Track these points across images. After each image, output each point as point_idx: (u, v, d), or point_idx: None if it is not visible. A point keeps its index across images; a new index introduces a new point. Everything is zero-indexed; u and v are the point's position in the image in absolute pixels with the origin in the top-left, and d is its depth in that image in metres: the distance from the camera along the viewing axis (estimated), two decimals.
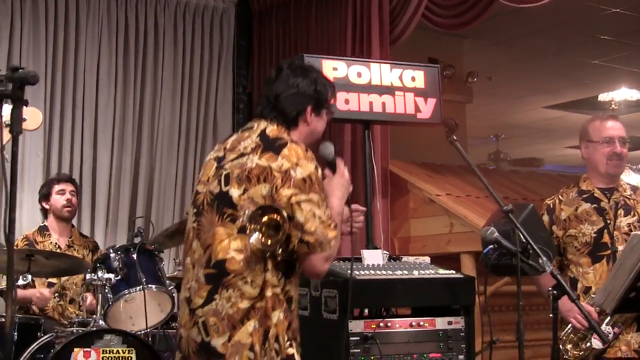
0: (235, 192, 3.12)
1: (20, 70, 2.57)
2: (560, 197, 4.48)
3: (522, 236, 3.53)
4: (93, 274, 5.29)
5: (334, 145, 3.40)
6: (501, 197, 6.71)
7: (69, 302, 6.02)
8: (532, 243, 3.40)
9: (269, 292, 3.07)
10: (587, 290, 4.23)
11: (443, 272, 4.57)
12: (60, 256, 5.65)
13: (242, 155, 3.18)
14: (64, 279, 5.96)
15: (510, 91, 11.40)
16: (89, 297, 5.62)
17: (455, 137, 3.40)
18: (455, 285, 4.49)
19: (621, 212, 4.31)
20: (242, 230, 3.08)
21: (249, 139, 3.22)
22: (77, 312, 5.92)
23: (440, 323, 4.37)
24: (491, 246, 3.72)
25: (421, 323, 4.30)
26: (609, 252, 4.25)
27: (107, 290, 5.30)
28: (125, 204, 7.37)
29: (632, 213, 4.32)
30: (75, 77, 7.24)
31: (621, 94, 11.58)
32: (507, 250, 3.60)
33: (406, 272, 4.38)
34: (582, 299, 4.16)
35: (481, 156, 14.20)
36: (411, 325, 4.27)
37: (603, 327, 4.03)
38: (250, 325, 3.05)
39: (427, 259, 4.64)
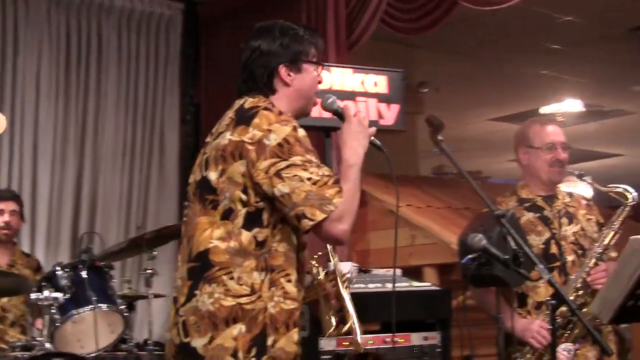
0: (213, 175, 2.88)
1: None
2: (499, 207, 4.20)
3: (513, 242, 3.30)
4: (38, 294, 4.99)
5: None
6: (462, 207, 6.70)
7: (9, 326, 5.72)
8: (528, 250, 3.23)
9: (277, 299, 2.83)
10: (538, 305, 4.07)
11: (418, 285, 4.49)
12: (1, 275, 5.31)
13: (219, 135, 2.94)
14: (4, 300, 5.67)
15: (457, 103, 11.36)
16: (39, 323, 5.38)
17: (441, 138, 3.18)
18: (431, 298, 4.39)
19: (564, 220, 4.21)
20: (225, 216, 2.83)
21: (226, 117, 2.98)
22: (18, 336, 5.63)
23: (416, 338, 4.26)
24: (471, 256, 3.49)
25: (396, 339, 4.14)
26: (559, 263, 4.11)
27: (53, 311, 5.01)
28: (67, 220, 7.23)
29: (574, 221, 4.23)
30: (14, 87, 7.10)
31: (566, 105, 11.61)
32: (494, 258, 3.35)
33: (379, 285, 4.26)
34: (534, 316, 4.06)
35: (426, 169, 14.25)
36: (385, 342, 4.11)
37: (564, 345, 3.93)
38: (236, 328, 2.77)
39: (399, 271, 4.44)
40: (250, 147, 2.81)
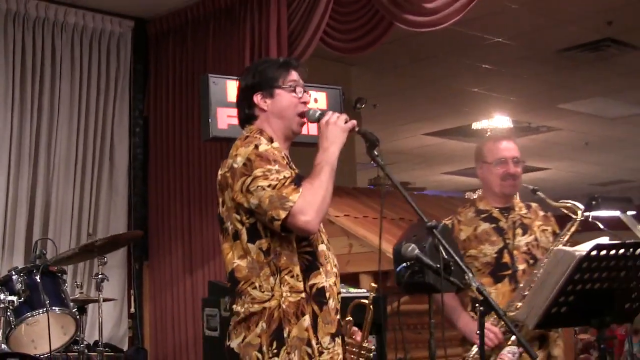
0: (219, 208, 3.29)
1: None
2: (458, 217, 4.47)
3: (444, 252, 3.37)
4: None
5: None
6: (397, 218, 6.95)
7: None
8: (458, 259, 3.32)
9: (285, 294, 3.17)
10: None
11: (354, 291, 4.71)
12: None
13: None
14: None
15: (393, 118, 11.57)
16: None
17: (377, 152, 3.35)
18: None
19: (519, 231, 4.36)
20: (235, 238, 3.24)
21: None
22: None
23: None
24: (405, 264, 3.59)
25: None
26: (510, 271, 4.28)
27: (9, 313, 5.19)
28: (21, 227, 7.24)
29: (529, 232, 4.38)
30: None
31: (495, 121, 11.79)
32: (426, 267, 3.46)
33: None
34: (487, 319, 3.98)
35: (363, 181, 14.47)
36: None
37: (509, 347, 4.06)
38: (259, 327, 3.16)
39: None
40: (227, 174, 3.21)
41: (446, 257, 3.32)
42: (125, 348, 7.50)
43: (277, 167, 3.17)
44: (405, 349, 3.94)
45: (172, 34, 7.81)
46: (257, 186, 3.13)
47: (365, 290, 4.74)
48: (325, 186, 3.18)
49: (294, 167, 3.37)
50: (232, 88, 5.63)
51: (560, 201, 4.33)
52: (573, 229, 4.30)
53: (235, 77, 5.94)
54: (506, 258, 4.30)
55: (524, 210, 4.46)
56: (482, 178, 4.48)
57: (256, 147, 3.20)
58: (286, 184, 3.13)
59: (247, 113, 3.40)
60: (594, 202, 5.00)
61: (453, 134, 12.74)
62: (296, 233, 3.18)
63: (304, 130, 3.56)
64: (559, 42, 8.84)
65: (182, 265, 7.47)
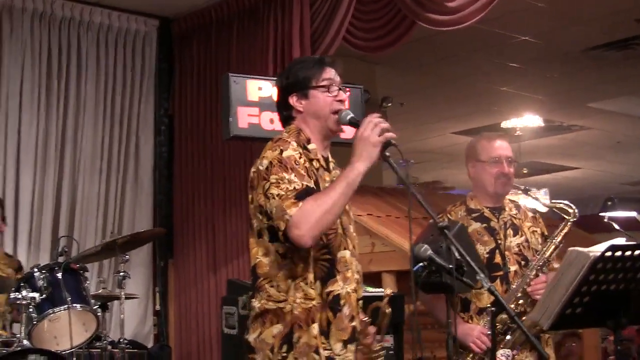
0: (250, 204, 3.31)
1: None
2: (449, 215, 4.36)
3: (457, 253, 3.31)
4: (17, 293, 5.25)
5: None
6: (421, 217, 6.94)
7: None
8: (469, 259, 3.26)
9: (298, 301, 3.20)
10: (480, 311, 4.16)
11: (372, 290, 4.67)
12: None
13: None
14: None
15: (421, 117, 11.54)
16: None
17: (388, 154, 3.29)
18: None
19: (510, 232, 4.29)
20: (259, 236, 3.27)
21: None
22: (0, 332, 5.79)
23: None
24: (421, 264, 3.53)
25: None
26: (501, 272, 4.20)
27: (31, 310, 5.26)
28: (47, 224, 7.30)
29: (519, 233, 4.31)
30: None
31: (525, 120, 11.78)
32: (439, 267, 3.41)
33: None
34: (476, 321, 4.16)
35: (389, 180, 14.45)
36: None
37: (502, 350, 4.01)
38: (276, 328, 3.21)
39: None
40: (255, 175, 3.25)
41: (458, 257, 3.27)
42: (150, 345, 7.53)
43: (292, 176, 3.17)
44: (422, 348, 3.91)
45: (196, 33, 7.84)
46: (271, 193, 3.16)
47: (383, 289, 4.74)
48: (332, 202, 3.12)
49: (334, 167, 3.41)
50: (252, 87, 5.67)
51: (553, 201, 4.27)
52: (566, 229, 4.23)
53: (257, 77, 6.01)
54: (498, 259, 4.22)
55: (514, 211, 4.38)
56: (474, 176, 4.38)
57: (281, 152, 3.22)
58: (289, 196, 3.13)
59: (285, 115, 3.44)
60: (609, 203, 4.96)
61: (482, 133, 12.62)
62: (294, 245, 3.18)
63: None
64: (586, 40, 8.76)
65: (206, 263, 7.51)
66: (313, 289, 3.22)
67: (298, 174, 3.18)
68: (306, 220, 3.09)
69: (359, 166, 3.18)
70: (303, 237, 3.09)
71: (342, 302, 3.27)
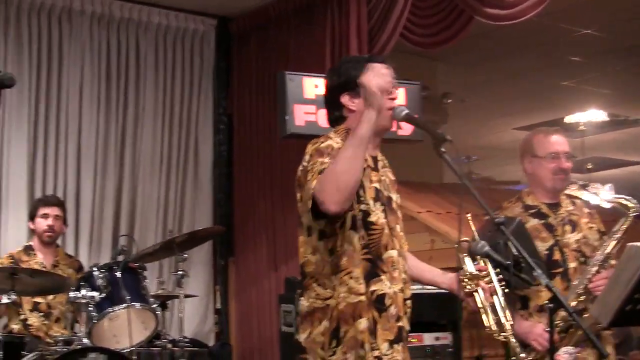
0: (298, 203, 3.28)
1: None
2: (505, 212, 4.29)
3: (514, 249, 3.31)
4: (77, 292, 5.33)
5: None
6: (481, 214, 6.90)
7: (54, 321, 6.02)
8: (526, 256, 3.24)
9: (342, 295, 3.18)
10: (540, 309, 4.11)
11: (430, 288, 4.50)
12: (44, 274, 5.65)
13: None
14: (49, 297, 5.97)
15: (482, 113, 11.44)
16: None
17: (444, 149, 3.28)
18: (443, 300, 4.54)
19: (568, 228, 4.25)
20: (308, 234, 3.27)
21: None
22: (62, 331, 5.94)
23: (428, 339, 4.49)
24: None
25: (409, 339, 4.33)
26: (561, 269, 4.16)
27: (91, 309, 5.32)
28: (108, 225, 7.37)
29: (577, 229, 4.26)
30: (59, 101, 7.23)
31: (589, 115, 11.63)
32: (497, 263, 3.41)
33: None
34: (536, 318, 4.14)
35: (450, 177, 14.34)
36: None
37: (564, 348, 3.96)
38: (322, 325, 3.20)
39: None
40: (301, 172, 3.24)
41: (515, 253, 3.25)
42: (211, 344, 7.57)
43: (326, 159, 3.16)
44: (481, 346, 3.89)
45: (254, 32, 7.85)
46: (307, 180, 3.15)
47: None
48: (345, 159, 3.07)
49: (383, 166, 3.40)
50: (308, 85, 5.65)
51: (614, 196, 4.17)
52: (626, 224, 4.15)
53: (313, 74, 5.98)
54: (557, 255, 4.18)
55: (571, 207, 4.32)
56: (531, 172, 4.32)
57: (321, 143, 3.23)
58: (315, 175, 3.12)
59: (336, 115, 3.40)
60: None
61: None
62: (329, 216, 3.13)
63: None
64: None
65: (266, 261, 7.51)
66: (360, 284, 3.20)
67: (332, 157, 3.16)
68: (325, 186, 3.05)
69: (365, 114, 3.15)
70: (325, 204, 3.04)
71: (388, 301, 3.24)
